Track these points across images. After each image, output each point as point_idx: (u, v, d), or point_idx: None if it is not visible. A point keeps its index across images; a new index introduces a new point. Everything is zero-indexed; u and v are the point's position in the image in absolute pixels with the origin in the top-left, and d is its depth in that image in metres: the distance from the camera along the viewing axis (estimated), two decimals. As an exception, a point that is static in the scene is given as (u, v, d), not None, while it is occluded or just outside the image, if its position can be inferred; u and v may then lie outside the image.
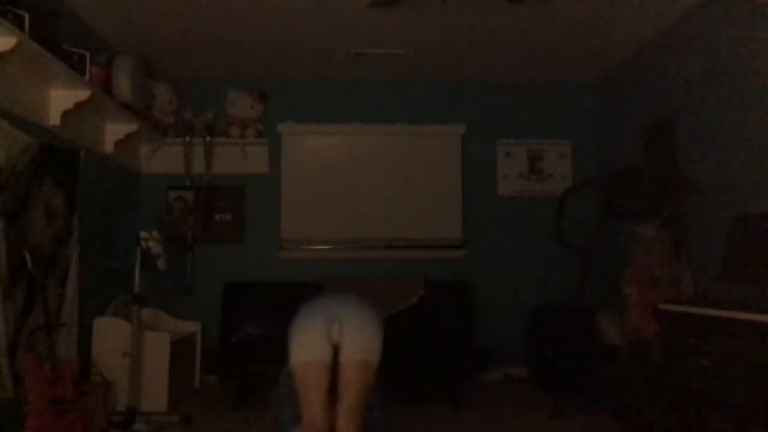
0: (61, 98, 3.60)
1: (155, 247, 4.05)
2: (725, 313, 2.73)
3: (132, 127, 4.46)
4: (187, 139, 5.20)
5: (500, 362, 5.02)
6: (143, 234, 3.96)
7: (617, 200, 4.28)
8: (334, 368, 1.93)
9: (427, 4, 3.88)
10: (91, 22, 4.17)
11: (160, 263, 4.16)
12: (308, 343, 1.97)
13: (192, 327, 4.89)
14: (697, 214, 3.87)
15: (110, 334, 4.03)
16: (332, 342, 1.94)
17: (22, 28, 2.94)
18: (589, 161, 5.46)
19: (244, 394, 4.27)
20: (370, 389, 1.96)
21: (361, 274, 5.22)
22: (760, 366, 2.55)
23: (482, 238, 5.41)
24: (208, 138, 5.21)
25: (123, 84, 4.14)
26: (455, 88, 5.47)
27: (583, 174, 5.41)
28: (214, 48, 4.71)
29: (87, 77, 3.62)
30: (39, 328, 3.18)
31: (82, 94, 3.64)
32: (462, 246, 5.40)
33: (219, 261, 5.25)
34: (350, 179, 5.36)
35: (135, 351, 3.91)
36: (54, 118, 3.60)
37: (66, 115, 3.63)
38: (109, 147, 4.44)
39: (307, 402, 1.92)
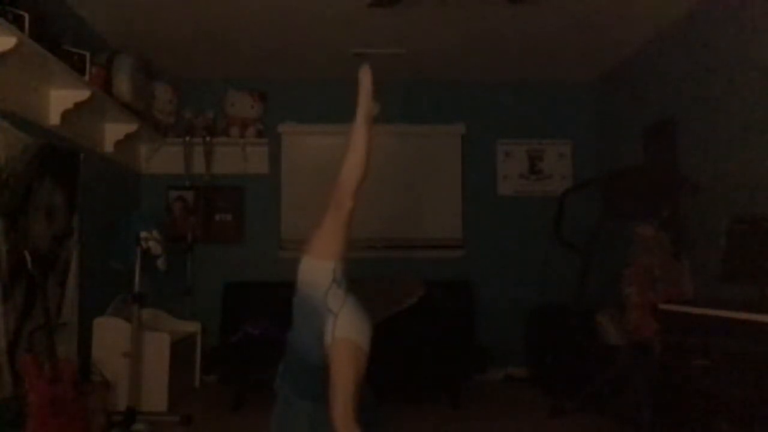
0: (61, 98, 3.60)
1: (155, 247, 4.05)
2: (725, 313, 2.73)
3: (132, 127, 4.46)
4: (187, 139, 5.20)
5: (500, 362, 5.02)
6: (143, 234, 3.96)
7: (617, 200, 4.27)
8: None
9: (427, 4, 3.88)
10: (91, 22, 4.17)
11: (160, 263, 4.16)
12: None
13: (192, 327, 4.88)
14: (697, 214, 3.87)
15: (110, 334, 4.02)
16: None
17: (22, 28, 2.93)
18: (589, 161, 5.46)
19: (244, 394, 4.27)
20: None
21: (361, 274, 5.20)
22: (760, 366, 2.55)
23: (482, 238, 5.41)
24: (208, 138, 5.21)
25: (123, 84, 4.14)
26: (455, 88, 5.46)
27: (583, 174, 5.40)
28: (214, 48, 4.71)
29: (87, 77, 3.62)
30: (39, 328, 3.18)
31: (82, 94, 3.64)
32: (462, 246, 5.40)
33: (219, 261, 5.24)
34: (350, 179, 5.34)
35: (135, 351, 3.91)
36: (54, 118, 3.60)
37: (66, 115, 3.63)
38: (109, 147, 4.45)
39: None
